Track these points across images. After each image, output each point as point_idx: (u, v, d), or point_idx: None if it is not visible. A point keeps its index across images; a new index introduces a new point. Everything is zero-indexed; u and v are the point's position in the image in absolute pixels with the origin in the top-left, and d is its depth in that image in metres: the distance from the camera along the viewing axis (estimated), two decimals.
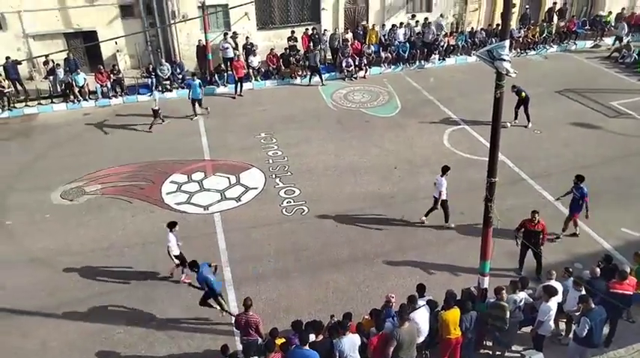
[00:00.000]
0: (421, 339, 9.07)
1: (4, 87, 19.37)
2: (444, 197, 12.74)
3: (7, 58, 19.35)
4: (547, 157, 15.93)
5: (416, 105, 19.76)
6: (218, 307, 10.42)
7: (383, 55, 23.04)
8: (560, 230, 12.50)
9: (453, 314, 8.86)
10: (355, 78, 22.25)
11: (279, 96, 20.96)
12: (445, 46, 23.76)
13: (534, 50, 24.87)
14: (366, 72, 22.53)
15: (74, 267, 12.03)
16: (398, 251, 12.35)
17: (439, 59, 23.81)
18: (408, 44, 23.25)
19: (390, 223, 13.21)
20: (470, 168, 15.21)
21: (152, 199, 14.46)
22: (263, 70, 22.12)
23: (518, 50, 24.43)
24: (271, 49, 22.10)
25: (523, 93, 17.17)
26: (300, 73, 22.23)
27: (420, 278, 10.76)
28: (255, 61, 21.69)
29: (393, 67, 23.27)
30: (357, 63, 22.30)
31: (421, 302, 9.21)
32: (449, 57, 24.02)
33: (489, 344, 9.78)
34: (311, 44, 22.39)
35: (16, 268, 11.96)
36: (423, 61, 23.56)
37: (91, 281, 11.62)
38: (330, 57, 23.56)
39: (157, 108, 18.22)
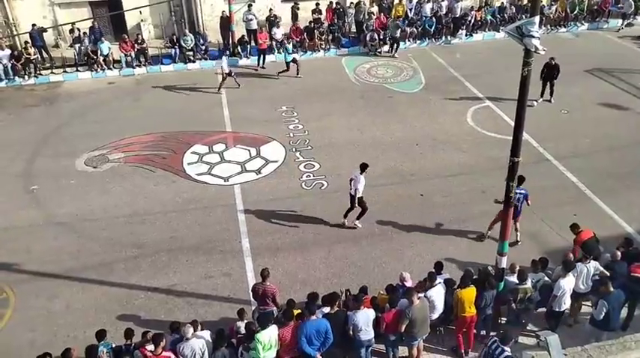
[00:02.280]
0: (436, 316, 9.13)
1: (30, 54, 19.60)
2: (359, 194, 11.86)
3: (34, 25, 19.53)
4: (573, 138, 15.59)
5: (440, 82, 19.45)
6: None
7: (408, 30, 22.63)
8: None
9: (469, 293, 8.87)
10: (379, 52, 21.95)
11: (301, 69, 20.82)
12: (472, 21, 23.23)
13: (565, 27, 24.17)
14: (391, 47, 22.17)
15: (98, 233, 12.33)
16: (416, 228, 12.34)
17: (466, 35, 23.32)
18: (434, 19, 22.79)
19: (410, 200, 13.17)
20: (493, 147, 15.00)
21: (174, 169, 14.62)
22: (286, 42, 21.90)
23: (549, 27, 23.77)
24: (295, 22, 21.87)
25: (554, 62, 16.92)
26: (323, 46, 22.00)
27: (438, 256, 10.75)
28: (278, 33, 21.50)
29: (418, 42, 22.86)
30: (381, 37, 21.95)
31: (438, 279, 9.24)
32: (476, 32, 23.48)
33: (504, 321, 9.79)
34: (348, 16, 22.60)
35: (42, 232, 12.29)
36: (449, 37, 23.11)
37: (114, 247, 11.89)
38: (355, 30, 23.22)
39: (227, 71, 18.53)
